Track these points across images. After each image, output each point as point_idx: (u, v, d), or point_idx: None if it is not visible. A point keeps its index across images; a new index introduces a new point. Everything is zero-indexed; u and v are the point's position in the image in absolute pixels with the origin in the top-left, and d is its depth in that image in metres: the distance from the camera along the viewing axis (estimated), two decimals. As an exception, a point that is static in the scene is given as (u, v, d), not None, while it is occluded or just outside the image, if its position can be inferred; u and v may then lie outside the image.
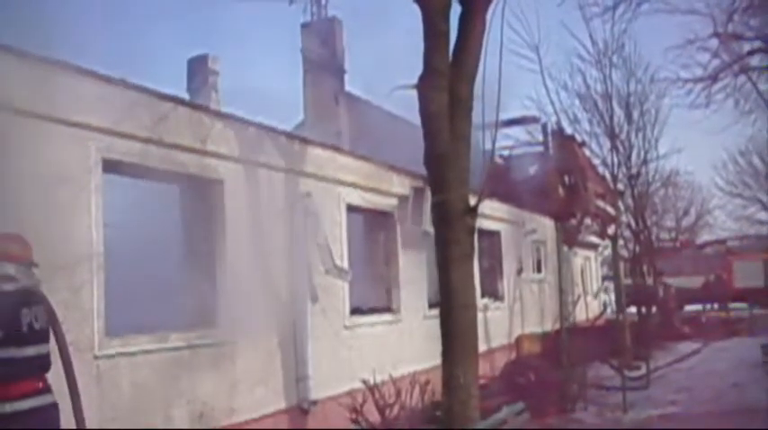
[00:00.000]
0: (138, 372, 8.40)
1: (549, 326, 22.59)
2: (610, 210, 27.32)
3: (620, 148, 26.36)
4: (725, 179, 51.42)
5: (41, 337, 5.83)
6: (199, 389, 9.19)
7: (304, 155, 11.72)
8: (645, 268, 29.81)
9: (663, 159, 31.34)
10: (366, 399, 10.95)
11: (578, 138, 26.73)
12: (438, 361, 8.59)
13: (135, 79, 8.65)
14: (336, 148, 13.05)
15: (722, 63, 17.75)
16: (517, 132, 28.44)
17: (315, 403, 11.05)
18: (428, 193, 8.57)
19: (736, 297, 39.09)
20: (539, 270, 24.76)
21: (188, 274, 9.60)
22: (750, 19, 16.64)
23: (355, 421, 10.78)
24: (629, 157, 26.98)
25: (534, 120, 26.76)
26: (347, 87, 23.99)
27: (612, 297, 30.60)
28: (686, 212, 52.08)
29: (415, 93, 8.26)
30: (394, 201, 14.32)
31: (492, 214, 18.83)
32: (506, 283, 21.05)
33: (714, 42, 17.28)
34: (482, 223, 14.56)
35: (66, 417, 5.97)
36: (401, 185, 14.43)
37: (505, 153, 27.01)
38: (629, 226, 28.35)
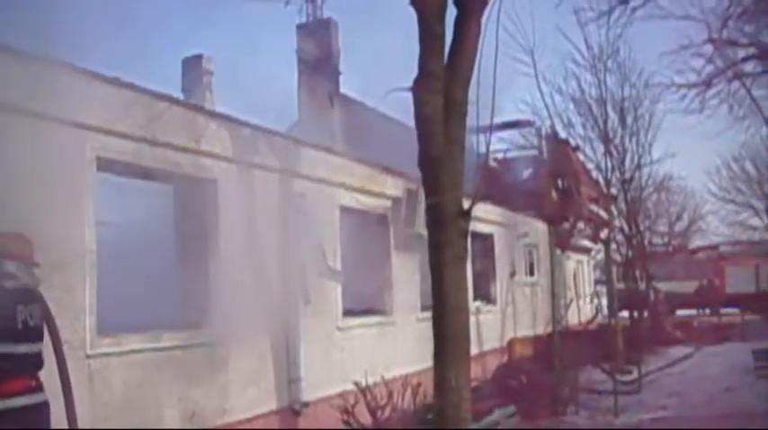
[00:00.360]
0: (130, 372, 8.40)
1: (542, 329, 22.63)
2: (603, 214, 27.39)
3: (614, 153, 26.40)
4: (718, 185, 51.58)
5: (35, 335, 5.83)
6: (191, 389, 9.18)
7: (298, 156, 11.72)
8: (637, 272, 29.86)
9: (656, 164, 31.43)
10: (358, 401, 10.96)
11: (572, 142, 26.78)
12: (430, 363, 8.57)
13: (129, 78, 8.66)
14: (330, 150, 13.05)
15: (716, 69, 17.79)
16: (511, 136, 28.53)
17: (307, 404, 11.05)
18: (422, 196, 8.55)
19: (728, 302, 39.20)
20: (531, 273, 24.81)
21: (181, 274, 9.60)
22: (744, 25, 16.66)
23: (347, 423, 10.79)
24: (622, 162, 27.00)
25: (529, 123, 26.84)
26: (342, 89, 24.01)
27: (605, 301, 30.64)
28: (679, 217, 52.17)
29: (409, 95, 8.26)
30: (387, 203, 14.34)
31: (485, 217, 18.86)
32: (499, 286, 21.08)
33: (708, 48, 17.31)
34: (475, 226, 14.61)
35: (58, 416, 5.97)
36: (395, 187, 14.45)
37: (500, 156, 27.06)
38: (621, 230, 28.39)
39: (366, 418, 10.94)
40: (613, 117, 26.47)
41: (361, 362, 12.32)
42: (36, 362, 5.86)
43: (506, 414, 12.76)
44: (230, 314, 9.66)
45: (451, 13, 8.43)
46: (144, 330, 8.71)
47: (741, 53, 17.91)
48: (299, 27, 24.09)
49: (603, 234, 27.60)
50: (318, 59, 23.08)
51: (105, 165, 8.28)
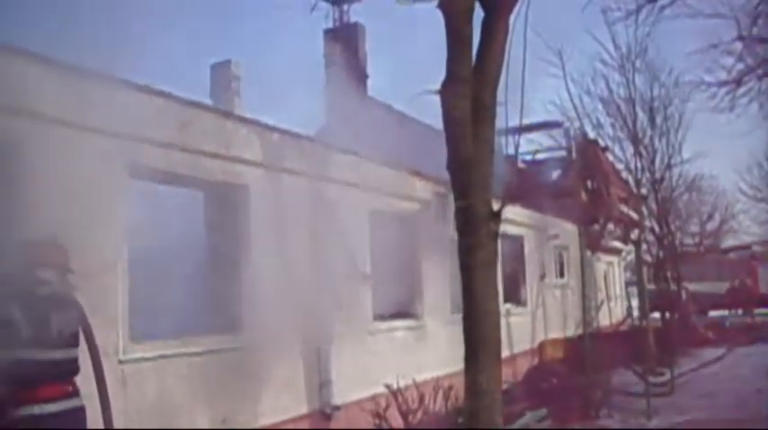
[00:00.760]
0: (163, 377, 8.46)
1: (572, 331, 22.50)
2: (633, 214, 27.22)
3: (644, 153, 26.24)
4: (749, 183, 50.94)
5: (71, 341, 5.91)
6: (223, 394, 9.23)
7: (327, 160, 11.75)
8: (668, 273, 29.63)
9: (687, 164, 31.18)
10: (389, 404, 10.96)
11: (601, 142, 26.66)
12: (461, 366, 8.57)
13: (158, 85, 8.72)
14: (359, 154, 13.07)
15: (746, 67, 17.61)
16: (540, 137, 28.44)
17: (338, 408, 11.07)
18: (451, 199, 8.54)
19: (760, 302, 38.79)
20: (561, 275, 24.70)
21: (213, 279, 9.64)
22: (775, 22, 16.50)
23: (378, 426, 10.79)
24: (652, 162, 26.83)
25: (557, 124, 26.76)
26: (369, 92, 24.05)
27: (636, 302, 30.43)
28: (710, 217, 51.62)
29: (437, 98, 8.26)
30: (417, 206, 14.34)
31: (515, 219, 18.80)
32: (529, 289, 21.01)
33: (738, 46, 17.15)
34: (505, 228, 14.54)
35: (94, 421, 6.03)
36: (424, 190, 14.45)
37: (528, 158, 26.99)
38: (652, 231, 28.18)
39: (398, 421, 10.94)
40: (642, 117, 26.35)
41: (392, 366, 12.32)
42: (72, 367, 5.94)
43: (538, 417, 12.71)
44: (262, 319, 9.70)
45: (479, 14, 8.43)
46: (176, 336, 8.77)
47: (772, 50, 17.73)
48: (327, 32, 24.19)
49: (634, 235, 27.41)
50: (345, 64, 23.14)
51: (137, 172, 8.35)
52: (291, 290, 10.52)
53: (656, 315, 27.28)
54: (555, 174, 26.85)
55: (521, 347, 19.27)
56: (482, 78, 8.18)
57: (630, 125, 25.52)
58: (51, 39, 7.72)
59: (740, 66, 17.61)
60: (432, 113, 8.77)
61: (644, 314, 24.49)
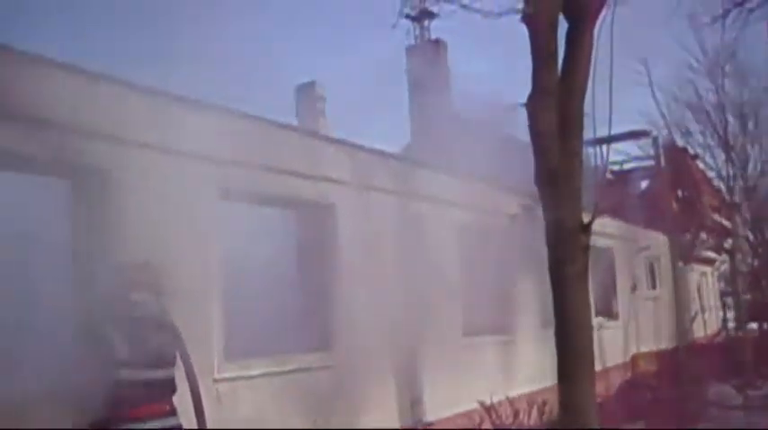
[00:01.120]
0: (257, 395, 8.55)
1: (666, 343, 22.06)
2: (726, 223, 26.59)
3: (736, 160, 25.61)
4: None
5: (168, 361, 6.04)
6: (315, 412, 9.28)
7: (414, 177, 11.77)
8: (765, 282, 28.81)
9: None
10: (483, 420, 10.89)
11: (691, 150, 26.14)
12: (554, 381, 8.49)
13: (244, 108, 8.88)
14: (445, 169, 13.06)
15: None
16: (628, 147, 27.99)
17: (430, 424, 11.04)
18: (539, 212, 8.49)
19: None
20: (653, 287, 24.23)
21: (304, 298, 9.74)
22: None
23: (472, 443, 10.74)
24: (744, 169, 26.14)
25: (645, 134, 26.28)
26: (453, 107, 24.03)
27: (731, 313, 29.68)
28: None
29: (523, 110, 8.24)
30: (505, 220, 14.25)
31: (604, 231, 18.52)
32: (620, 301, 20.67)
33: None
34: (594, 240, 14.36)
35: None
36: (511, 204, 14.36)
37: (617, 168, 26.62)
38: (747, 239, 27.47)
39: (491, 438, 10.88)
40: (733, 123, 25.72)
41: (484, 381, 12.24)
42: (169, 387, 6.06)
43: (634, 431, 12.48)
44: (352, 337, 9.75)
45: (563, 25, 8.39)
46: (269, 354, 8.87)
47: None
48: (409, 48, 24.30)
49: (727, 244, 26.78)
50: (429, 80, 23.20)
51: (228, 194, 8.50)
52: (381, 307, 10.56)
53: (753, 325, 26.54)
54: (644, 184, 26.40)
55: (613, 361, 18.94)
56: (568, 90, 8.14)
57: (721, 132, 24.96)
58: (121, 58, 7.92)
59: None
60: (517, 125, 8.76)
61: (740, 325, 23.90)
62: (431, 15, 24.87)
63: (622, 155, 28.02)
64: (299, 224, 10.15)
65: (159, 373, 5.97)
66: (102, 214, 7.00)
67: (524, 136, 8.63)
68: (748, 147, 26.50)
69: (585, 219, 8.08)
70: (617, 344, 19.78)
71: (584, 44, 8.21)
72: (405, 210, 11.30)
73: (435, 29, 25.50)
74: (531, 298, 14.72)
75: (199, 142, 7.98)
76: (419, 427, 10.99)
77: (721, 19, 14.91)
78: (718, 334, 26.90)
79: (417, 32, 25.44)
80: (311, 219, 10.05)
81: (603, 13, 8.22)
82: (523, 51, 8.26)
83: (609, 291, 20.28)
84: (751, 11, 14.54)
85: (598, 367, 11.59)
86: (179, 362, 6.18)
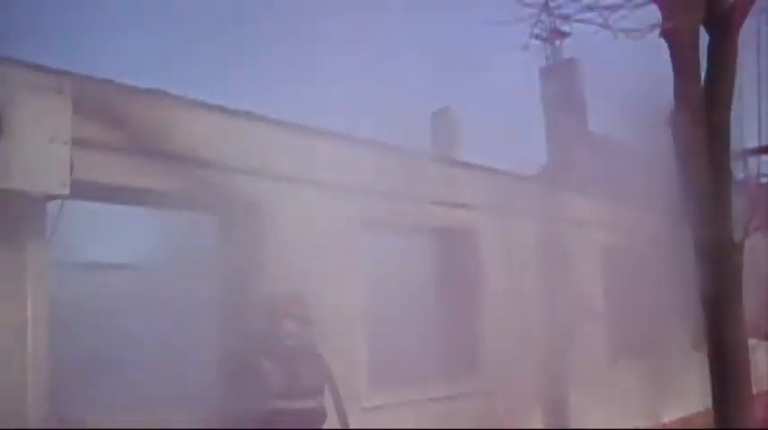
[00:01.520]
0: (404, 423, 8.53)
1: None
2: None
3: None
4: None
5: (317, 391, 6.13)
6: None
7: (554, 199, 11.61)
8: None
9: None
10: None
11: None
12: (707, 405, 8.19)
13: (378, 136, 8.98)
14: (585, 191, 12.84)
15: None
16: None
17: (579, 452, 10.82)
18: (686, 230, 8.21)
19: None
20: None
21: (446, 324, 9.70)
22: None
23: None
24: None
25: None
26: (589, 127, 23.63)
27: None
28: None
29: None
30: (650, 240, 13.87)
31: (756, 247, 17.78)
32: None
33: None
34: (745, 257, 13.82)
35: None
36: (656, 223, 13.96)
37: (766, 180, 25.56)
38: None
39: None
40: None
41: (634, 405, 11.90)
42: (320, 416, 6.15)
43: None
44: (498, 362, 9.65)
45: (704, 36, 8.14)
46: (415, 382, 8.86)
47: None
48: (542, 70, 24.05)
49: None
50: (564, 100, 22.90)
51: (368, 224, 8.58)
52: (525, 332, 10.43)
53: None
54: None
55: (769, 385, 18.11)
56: (714, 102, 7.86)
57: None
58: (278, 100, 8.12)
59: None
60: (659, 142, 8.52)
61: None
62: (563, 35, 24.55)
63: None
64: (438, 251, 10.14)
65: (309, 403, 6.07)
66: (249, 246, 7.19)
67: (667, 152, 8.39)
68: None
69: (737, 237, 7.78)
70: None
71: (727, 54, 7.92)
72: (545, 233, 11.14)
73: (568, 47, 25.09)
74: (680, 319, 14.27)
75: (340, 173, 8.13)
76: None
77: None
78: None
79: (549, 53, 25.13)
80: (451, 245, 10.02)
81: (747, 20, 7.94)
82: (661, 65, 8.06)
83: (762, 311, 19.41)
84: None
85: (754, 390, 11.13)
86: (327, 392, 6.26)
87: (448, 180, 9.77)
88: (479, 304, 9.88)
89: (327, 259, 7.86)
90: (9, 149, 5.36)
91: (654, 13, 7.78)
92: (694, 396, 9.10)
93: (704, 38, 8.11)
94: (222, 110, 7.34)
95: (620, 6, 7.26)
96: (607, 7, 7.21)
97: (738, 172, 9.03)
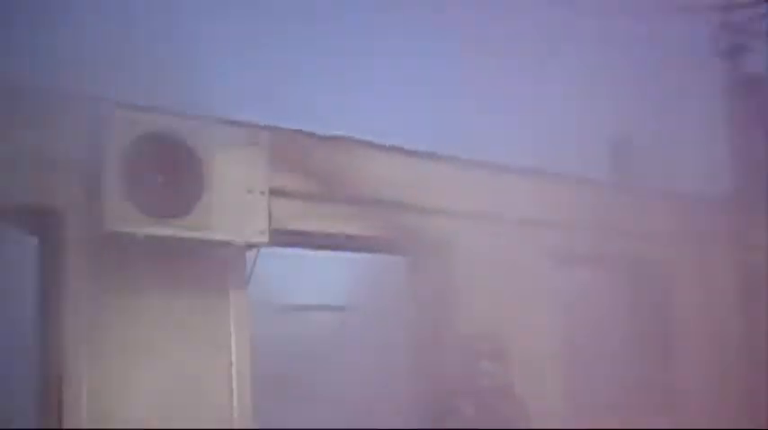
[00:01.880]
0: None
1: None
2: None
3: None
4: None
5: (516, 430, 6.08)
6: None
7: (746, 223, 11.07)
8: None
9: None
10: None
11: None
12: None
13: (558, 168, 8.87)
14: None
15: None
16: None
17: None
18: None
19: None
20: None
21: (642, 358, 9.43)
22: None
23: None
24: None
25: None
26: (781, 144, 22.53)
27: None
28: None
29: None
30: None
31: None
32: None
33: None
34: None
35: None
36: None
37: None
38: None
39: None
40: None
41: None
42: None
43: None
44: (699, 398, 9.24)
45: None
46: (615, 417, 8.60)
47: None
48: (726, 88, 23.15)
49: None
50: (751, 115, 21.90)
51: (559, 256, 8.48)
52: (725, 367, 9.93)
53: None
54: None
55: None
56: None
57: None
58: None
59: None
60: None
61: None
62: (745, 49, 23.59)
63: None
64: (629, 283, 9.88)
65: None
66: (440, 286, 7.22)
67: None
68: None
69: None
70: None
71: None
72: (739, 260, 10.64)
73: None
74: None
75: (526, 207, 8.05)
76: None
77: None
78: None
79: (730, 69, 24.16)
80: (640, 276, 9.76)
81: None
82: None
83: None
84: None
85: None
86: None
87: (635, 210, 9.51)
88: (676, 337, 9.53)
89: (519, 295, 7.79)
90: (212, 202, 5.63)
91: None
92: None
93: None
94: (402, 151, 7.46)
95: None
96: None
97: None
